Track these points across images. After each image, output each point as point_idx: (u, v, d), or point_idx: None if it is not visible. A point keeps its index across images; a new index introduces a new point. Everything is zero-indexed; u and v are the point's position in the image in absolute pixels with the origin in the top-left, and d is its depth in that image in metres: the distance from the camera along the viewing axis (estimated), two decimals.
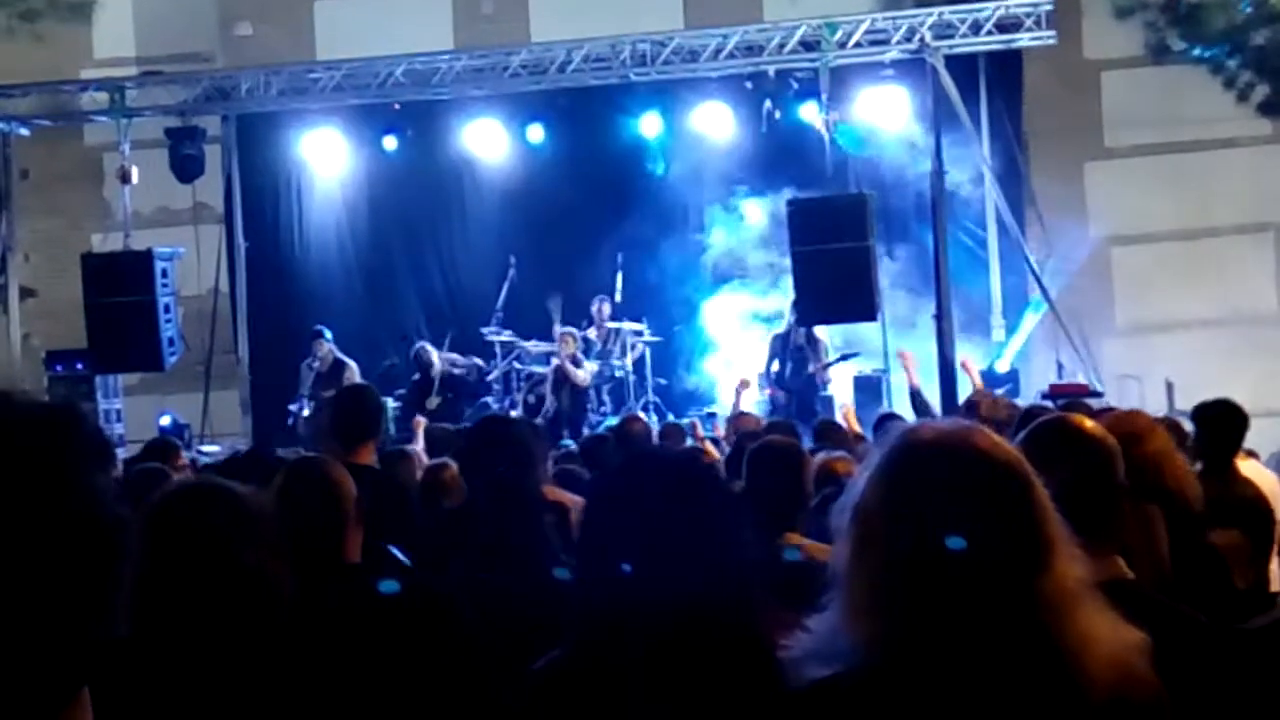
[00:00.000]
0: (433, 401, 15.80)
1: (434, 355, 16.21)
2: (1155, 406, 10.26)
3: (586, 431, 13.76)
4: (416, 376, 16.22)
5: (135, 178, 16.76)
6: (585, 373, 15.87)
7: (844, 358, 16.07)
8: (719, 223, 17.32)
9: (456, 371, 16.37)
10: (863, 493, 2.18)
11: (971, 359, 14.13)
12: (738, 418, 11.19)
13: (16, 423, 1.40)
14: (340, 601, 3.75)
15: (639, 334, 16.58)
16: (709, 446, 10.19)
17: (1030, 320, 16.86)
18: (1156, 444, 3.97)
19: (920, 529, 2.09)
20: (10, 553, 1.33)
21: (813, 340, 15.74)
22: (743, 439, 8.12)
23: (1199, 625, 2.92)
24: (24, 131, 17.39)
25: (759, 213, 16.96)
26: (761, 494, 5.09)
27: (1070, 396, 12.64)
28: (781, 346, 15.79)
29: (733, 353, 16.62)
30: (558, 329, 16.15)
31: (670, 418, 14.88)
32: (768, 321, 16.32)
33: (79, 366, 17.15)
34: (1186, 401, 7.32)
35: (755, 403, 15.39)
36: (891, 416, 10.27)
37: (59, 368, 17.48)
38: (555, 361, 15.95)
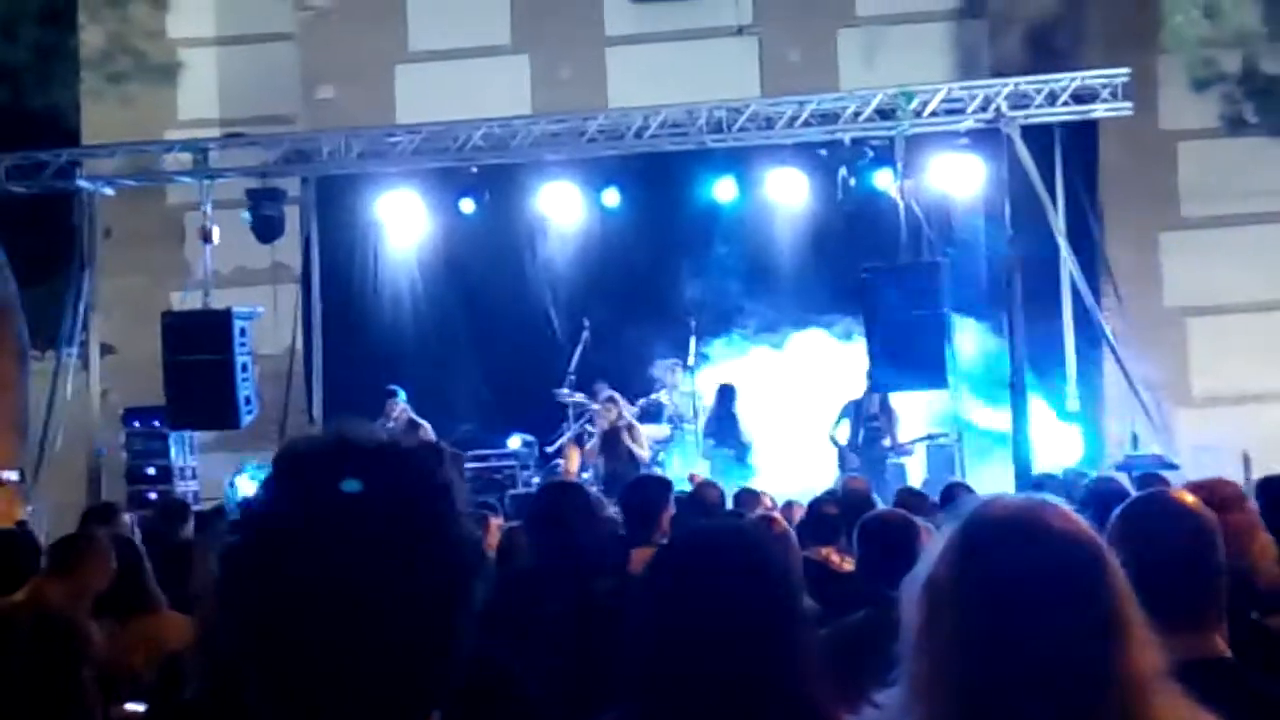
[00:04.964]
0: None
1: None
2: (1232, 479, 10.15)
3: None
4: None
5: (216, 237, 17.00)
6: (645, 446, 15.62)
7: (930, 437, 15.94)
8: (792, 288, 17.30)
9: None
10: (933, 569, 2.14)
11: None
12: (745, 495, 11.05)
13: (417, 459, 1.43)
14: None
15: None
16: (779, 516, 10.14)
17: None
18: (1242, 517, 3.91)
19: (989, 609, 2.04)
20: (407, 573, 1.35)
21: (887, 409, 15.64)
22: (853, 501, 8.22)
23: None
24: (109, 191, 17.70)
25: (832, 279, 16.93)
26: (873, 567, 5.09)
27: (1145, 468, 12.55)
28: (855, 413, 15.70)
29: (802, 416, 16.53)
30: (603, 393, 15.96)
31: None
32: (838, 386, 16.19)
33: (155, 423, 17.36)
34: (1264, 474, 7.31)
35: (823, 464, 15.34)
36: (959, 486, 10.23)
37: (136, 423, 17.69)
38: (604, 426, 15.65)
